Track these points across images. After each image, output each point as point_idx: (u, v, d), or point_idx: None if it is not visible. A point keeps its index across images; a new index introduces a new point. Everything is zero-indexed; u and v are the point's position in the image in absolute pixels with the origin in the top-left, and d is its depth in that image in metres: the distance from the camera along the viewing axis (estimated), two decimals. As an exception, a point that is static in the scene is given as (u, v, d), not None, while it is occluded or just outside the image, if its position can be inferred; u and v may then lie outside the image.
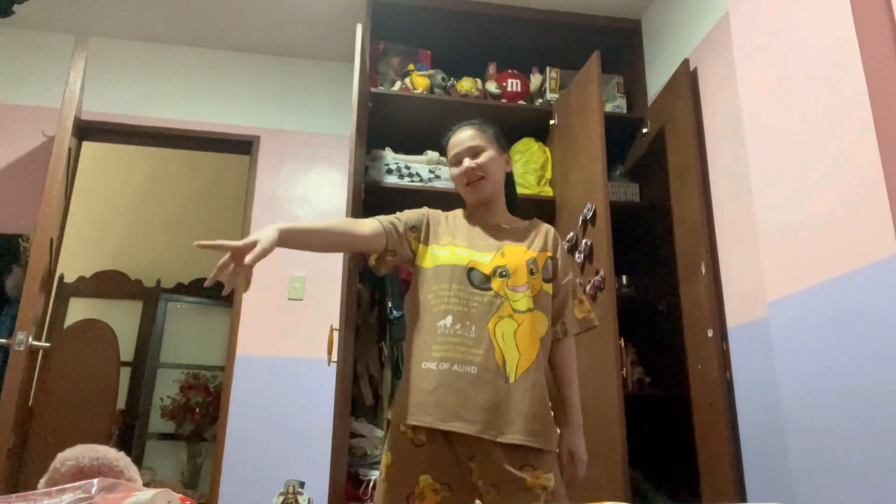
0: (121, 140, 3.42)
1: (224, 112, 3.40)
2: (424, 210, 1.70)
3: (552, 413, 1.55)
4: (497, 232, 1.66)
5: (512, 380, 1.46)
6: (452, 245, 1.61)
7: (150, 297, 4.90)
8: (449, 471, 1.45)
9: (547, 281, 1.61)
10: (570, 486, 1.50)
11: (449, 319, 1.50)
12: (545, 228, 1.72)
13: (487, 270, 1.55)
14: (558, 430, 1.57)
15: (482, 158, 1.65)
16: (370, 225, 1.57)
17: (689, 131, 2.54)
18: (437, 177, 2.85)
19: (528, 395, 1.47)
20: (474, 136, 1.67)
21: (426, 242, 1.64)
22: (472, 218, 1.70)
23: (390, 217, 1.63)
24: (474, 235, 1.64)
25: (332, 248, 1.59)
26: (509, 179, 1.77)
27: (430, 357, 1.50)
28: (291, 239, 1.47)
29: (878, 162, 1.44)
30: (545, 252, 1.65)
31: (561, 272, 1.67)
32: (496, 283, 1.53)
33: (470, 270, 1.55)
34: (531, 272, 1.57)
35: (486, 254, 1.58)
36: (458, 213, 1.74)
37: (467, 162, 1.65)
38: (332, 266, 3.14)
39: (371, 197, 2.73)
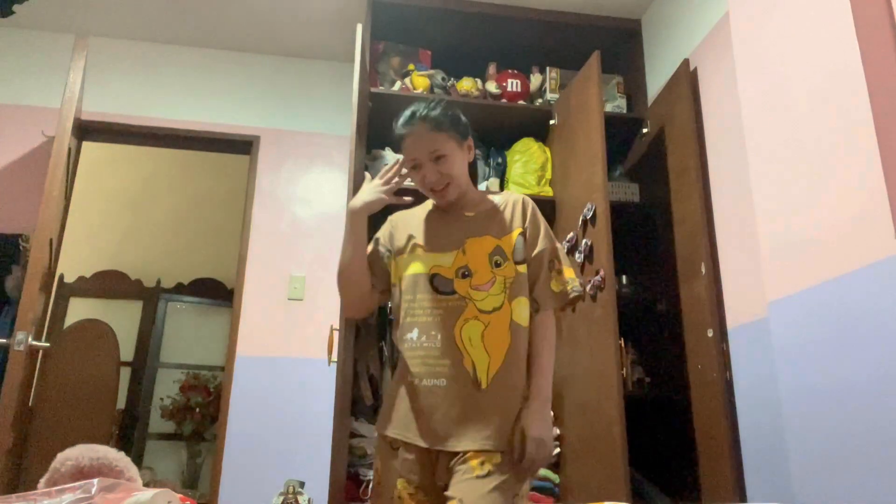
0: (121, 140, 3.42)
1: (224, 112, 3.40)
2: (387, 222, 1.63)
3: None
4: (460, 224, 1.54)
5: (484, 385, 1.39)
6: (413, 252, 1.53)
7: (150, 297, 4.89)
8: (421, 476, 1.39)
9: (521, 262, 1.50)
10: (527, 471, 1.37)
11: (415, 333, 1.45)
12: (513, 201, 1.57)
13: (450, 273, 1.47)
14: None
15: (444, 165, 1.50)
16: (372, 286, 1.57)
17: (689, 131, 2.54)
18: (437, 177, 2.85)
19: (501, 398, 1.40)
20: (434, 139, 1.49)
21: (395, 256, 1.57)
22: (436, 212, 1.59)
23: (372, 264, 1.57)
24: (436, 234, 1.54)
25: (356, 284, 1.55)
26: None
27: (404, 372, 1.46)
28: (361, 240, 1.53)
29: (878, 162, 1.44)
30: (515, 230, 1.52)
31: (530, 243, 1.52)
32: (459, 286, 1.45)
33: (433, 277, 1.47)
34: (496, 264, 1.47)
35: (447, 254, 1.49)
36: (424, 207, 1.63)
37: (429, 171, 1.50)
38: (331, 266, 3.14)
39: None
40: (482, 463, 1.33)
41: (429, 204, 1.62)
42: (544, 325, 1.50)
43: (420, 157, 1.50)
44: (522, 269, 1.49)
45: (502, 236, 1.51)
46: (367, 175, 1.61)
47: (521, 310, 1.46)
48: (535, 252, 1.52)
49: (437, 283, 1.46)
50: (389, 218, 1.63)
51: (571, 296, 1.51)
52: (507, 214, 1.54)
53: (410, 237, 1.55)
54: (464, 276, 1.46)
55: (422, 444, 1.39)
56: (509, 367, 1.41)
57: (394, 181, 1.54)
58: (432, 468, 1.39)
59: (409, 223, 1.59)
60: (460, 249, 1.49)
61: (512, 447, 1.37)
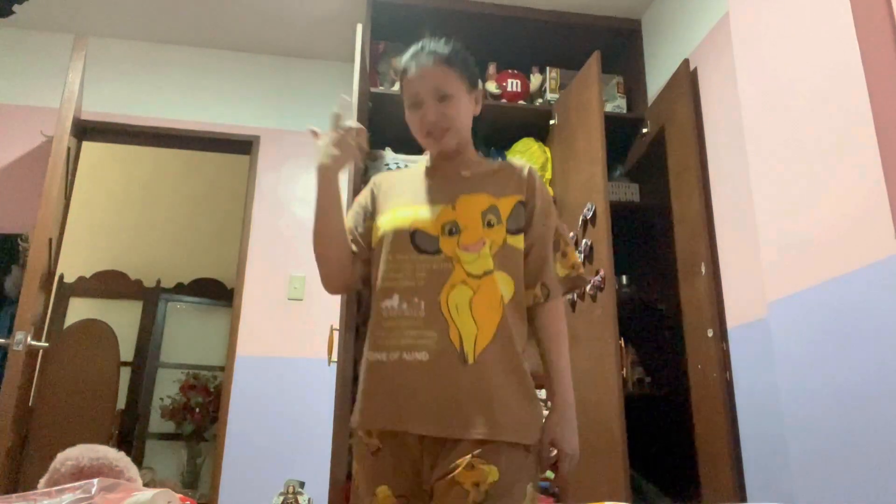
0: (121, 140, 3.42)
1: (224, 112, 3.40)
2: (370, 184, 1.45)
3: (533, 392, 1.27)
4: (454, 182, 1.36)
5: (471, 360, 1.20)
6: (395, 207, 1.34)
7: (150, 297, 4.90)
8: (407, 480, 1.21)
9: (514, 232, 1.31)
10: (559, 485, 1.29)
11: (395, 299, 1.25)
12: (518, 168, 1.39)
13: (434, 229, 1.27)
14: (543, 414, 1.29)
15: (449, 106, 1.32)
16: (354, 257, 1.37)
17: (689, 131, 2.54)
18: (437, 177, 2.85)
19: (491, 377, 1.20)
20: (442, 75, 1.32)
21: (375, 218, 1.38)
22: (429, 171, 1.42)
23: (351, 232, 1.38)
24: (425, 190, 1.36)
25: (331, 252, 1.33)
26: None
27: (377, 346, 1.26)
28: (333, 200, 1.30)
29: (878, 162, 1.44)
30: (515, 196, 1.34)
31: (537, 219, 1.34)
32: (446, 244, 1.26)
33: (414, 233, 1.28)
34: (489, 224, 1.28)
35: (433, 207, 1.31)
36: (415, 168, 1.46)
37: (430, 108, 1.32)
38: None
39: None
40: (476, 484, 1.13)
41: (420, 166, 1.45)
42: (556, 316, 1.33)
43: (423, 94, 1.33)
44: (512, 240, 1.30)
45: (500, 197, 1.32)
46: (314, 132, 1.33)
47: (504, 285, 1.27)
48: (542, 230, 1.35)
49: (418, 241, 1.27)
50: (373, 179, 1.46)
51: (580, 283, 1.37)
52: (509, 178, 1.37)
53: (394, 195, 1.38)
54: (451, 234, 1.27)
55: (401, 429, 1.20)
56: (501, 342, 1.23)
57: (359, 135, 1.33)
58: (418, 465, 1.21)
59: (395, 183, 1.42)
60: (450, 205, 1.31)
61: (508, 441, 1.18)
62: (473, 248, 1.26)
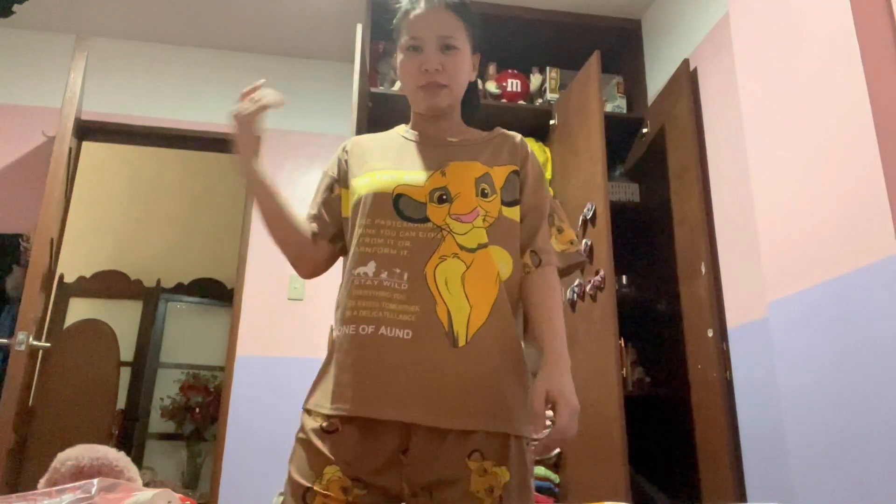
0: (121, 140, 3.42)
1: (224, 112, 3.36)
2: (339, 149, 1.32)
3: (529, 380, 1.14)
4: (441, 147, 1.23)
5: (462, 342, 1.06)
6: (374, 171, 1.20)
7: (150, 297, 4.90)
8: (367, 464, 1.05)
9: (510, 204, 1.19)
10: (548, 449, 1.06)
11: (371, 266, 1.10)
12: (510, 137, 1.28)
13: (421, 196, 1.14)
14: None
15: (452, 59, 1.21)
16: (314, 234, 1.25)
17: (689, 131, 2.55)
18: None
19: (484, 361, 1.07)
20: (450, 23, 1.21)
21: (346, 185, 1.25)
22: (410, 133, 1.29)
23: (316, 206, 1.28)
24: (409, 154, 1.23)
25: (284, 238, 1.23)
26: (472, 84, 1.32)
27: (347, 319, 1.10)
28: (264, 187, 1.20)
29: (878, 162, 1.45)
30: (508, 165, 1.22)
31: (530, 188, 1.23)
32: (435, 212, 1.13)
33: (398, 198, 1.14)
34: (483, 194, 1.16)
35: (420, 173, 1.17)
36: (393, 131, 1.33)
37: (432, 56, 1.20)
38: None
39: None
40: (490, 489, 1.01)
41: (397, 130, 1.33)
42: (548, 281, 1.18)
43: (425, 39, 1.20)
44: (508, 212, 1.18)
45: (493, 166, 1.21)
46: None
47: (501, 261, 1.14)
48: (536, 200, 1.24)
49: (402, 207, 1.13)
50: (342, 145, 1.32)
51: (579, 260, 1.30)
52: (501, 146, 1.26)
53: (371, 159, 1.24)
54: (441, 201, 1.14)
55: (376, 415, 1.04)
56: (496, 323, 1.10)
57: (253, 96, 1.25)
58: (382, 448, 1.05)
59: (371, 147, 1.28)
60: (440, 171, 1.18)
61: (515, 434, 1.06)
62: (467, 219, 1.13)
